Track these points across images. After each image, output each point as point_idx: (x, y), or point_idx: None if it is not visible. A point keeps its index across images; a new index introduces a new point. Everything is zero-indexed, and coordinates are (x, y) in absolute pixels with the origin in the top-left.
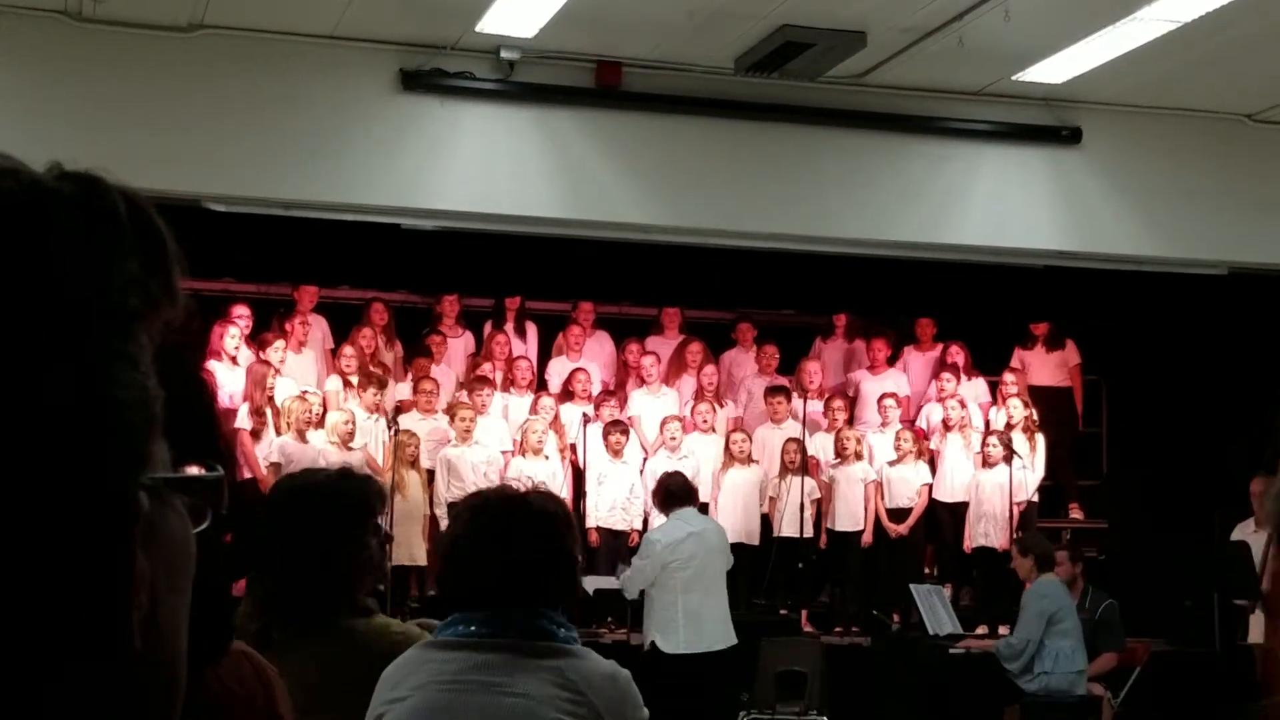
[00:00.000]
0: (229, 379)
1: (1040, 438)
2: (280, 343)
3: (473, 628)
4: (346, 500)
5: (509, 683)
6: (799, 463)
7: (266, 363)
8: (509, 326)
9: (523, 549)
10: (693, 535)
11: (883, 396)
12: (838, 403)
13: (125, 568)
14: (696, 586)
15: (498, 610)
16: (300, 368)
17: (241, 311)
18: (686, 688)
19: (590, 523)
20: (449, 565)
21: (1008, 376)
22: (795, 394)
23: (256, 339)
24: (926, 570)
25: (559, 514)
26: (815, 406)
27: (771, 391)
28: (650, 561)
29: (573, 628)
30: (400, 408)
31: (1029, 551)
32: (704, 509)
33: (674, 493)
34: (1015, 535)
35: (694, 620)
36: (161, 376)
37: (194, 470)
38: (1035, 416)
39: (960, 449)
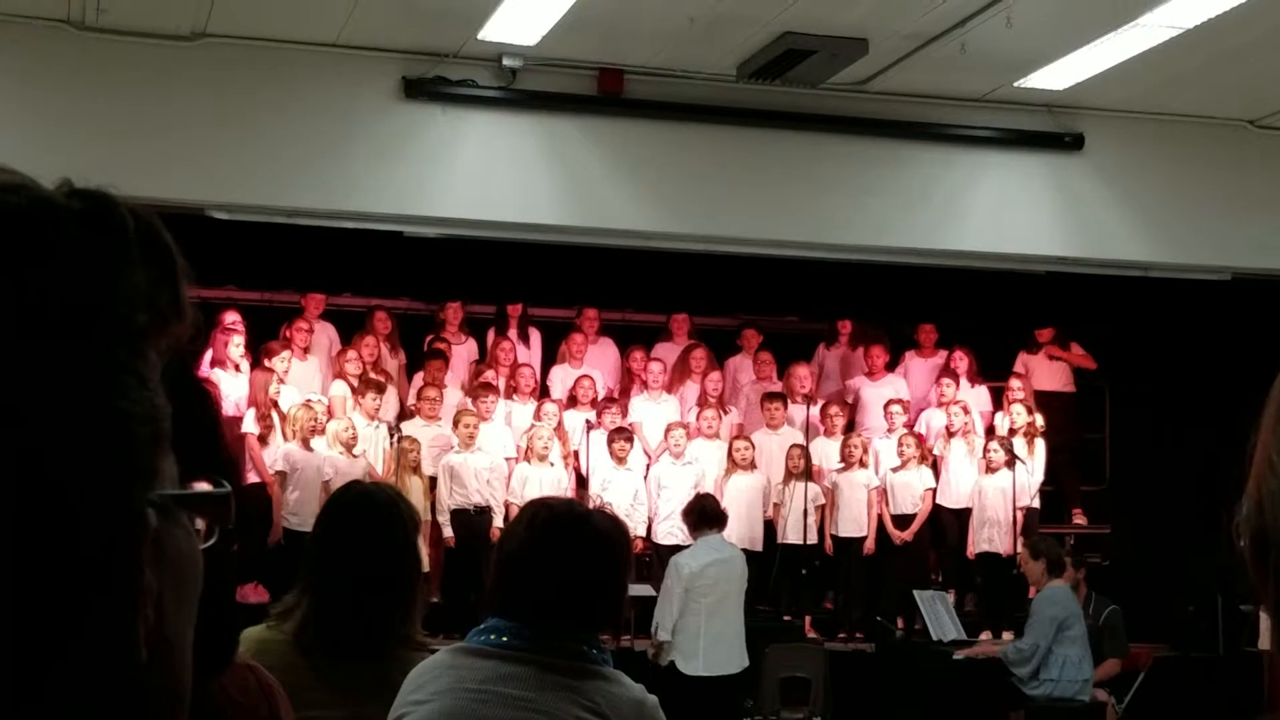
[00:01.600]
0: (233, 386)
1: (1040, 442)
2: (286, 352)
3: (505, 638)
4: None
5: (533, 698)
6: (802, 468)
7: (270, 370)
8: (512, 333)
9: (574, 568)
10: (718, 562)
11: (890, 402)
12: (834, 409)
13: (133, 582)
14: (719, 612)
15: (534, 624)
16: (305, 375)
17: (234, 319)
18: (700, 705)
19: None
20: (497, 568)
21: (1013, 382)
22: (791, 400)
23: (261, 348)
24: (931, 576)
25: (619, 539)
26: (817, 413)
27: (768, 398)
28: (676, 587)
29: (607, 650)
30: (403, 414)
31: (1040, 555)
32: None
33: (707, 515)
34: (1024, 539)
35: (714, 645)
36: (168, 391)
37: (201, 485)
38: (1039, 423)
39: (964, 454)
